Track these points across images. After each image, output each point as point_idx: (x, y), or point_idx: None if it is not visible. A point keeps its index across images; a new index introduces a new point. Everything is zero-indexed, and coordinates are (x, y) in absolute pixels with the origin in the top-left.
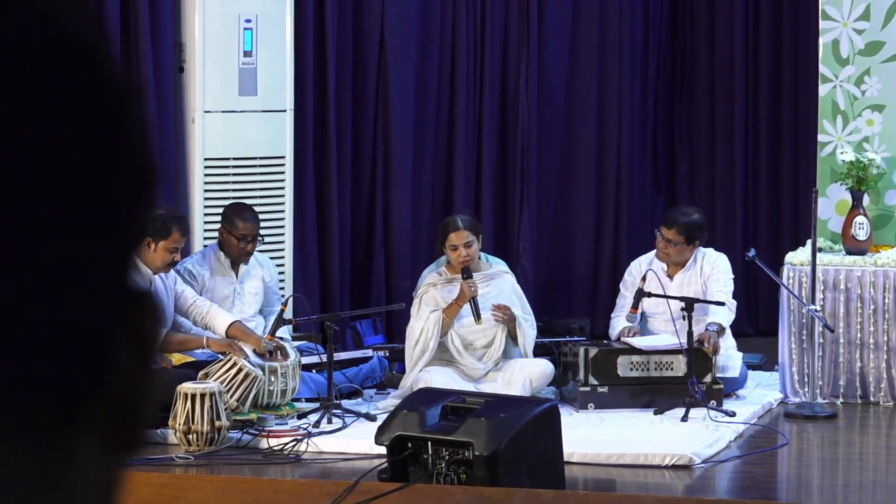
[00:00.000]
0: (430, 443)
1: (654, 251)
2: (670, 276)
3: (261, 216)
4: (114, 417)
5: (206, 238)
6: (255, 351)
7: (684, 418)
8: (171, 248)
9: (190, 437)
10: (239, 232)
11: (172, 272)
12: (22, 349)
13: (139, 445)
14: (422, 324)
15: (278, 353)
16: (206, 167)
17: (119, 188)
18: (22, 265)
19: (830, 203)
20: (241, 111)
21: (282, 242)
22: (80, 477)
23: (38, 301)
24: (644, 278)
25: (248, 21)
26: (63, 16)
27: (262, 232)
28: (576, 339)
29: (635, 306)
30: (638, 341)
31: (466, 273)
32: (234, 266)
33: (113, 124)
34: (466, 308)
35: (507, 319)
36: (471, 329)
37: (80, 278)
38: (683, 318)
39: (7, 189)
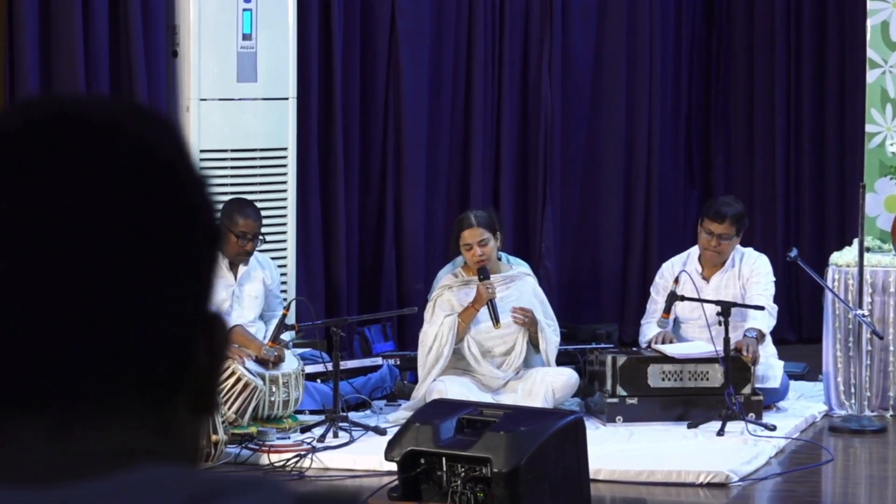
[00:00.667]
0: (444, 458)
1: (687, 252)
2: (706, 279)
3: (261, 212)
4: (197, 392)
5: None
6: (255, 358)
7: (720, 432)
8: None
9: None
10: (238, 229)
11: None
12: (148, 351)
13: (212, 409)
14: (436, 329)
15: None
16: (202, 160)
17: (199, 252)
18: (143, 302)
19: (879, 199)
20: (240, 99)
21: (284, 242)
22: (181, 429)
23: (151, 321)
24: (677, 280)
25: (247, 1)
26: (154, 143)
27: (263, 231)
28: (603, 346)
29: (667, 311)
30: (670, 349)
31: (483, 274)
32: (233, 267)
33: (192, 215)
34: (484, 312)
35: (529, 323)
36: (489, 335)
37: (178, 308)
38: (720, 324)
39: (134, 256)
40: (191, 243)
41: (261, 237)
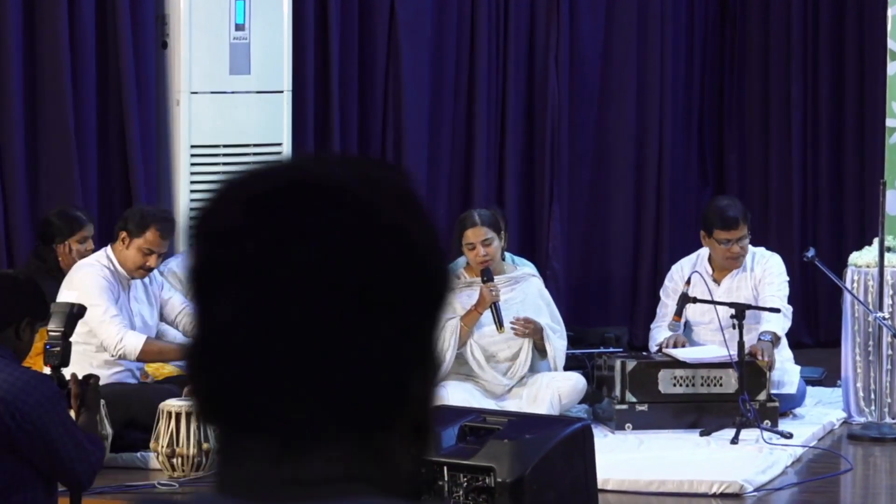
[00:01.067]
0: (445, 468)
1: (696, 253)
2: (717, 281)
3: None
4: (411, 425)
5: None
6: None
7: (734, 440)
8: (144, 248)
9: (174, 461)
10: None
11: (159, 277)
12: (366, 388)
13: (428, 437)
14: None
15: None
16: (192, 156)
17: (420, 305)
18: (363, 347)
19: None
20: (232, 92)
21: None
22: (397, 458)
23: (370, 363)
24: (688, 282)
25: None
26: (383, 208)
27: None
28: (611, 350)
29: (678, 314)
30: (682, 353)
31: (486, 275)
32: None
33: (416, 275)
34: (487, 316)
35: (531, 333)
36: (493, 339)
37: (397, 352)
38: (733, 327)
39: (358, 307)
40: (412, 298)
41: None
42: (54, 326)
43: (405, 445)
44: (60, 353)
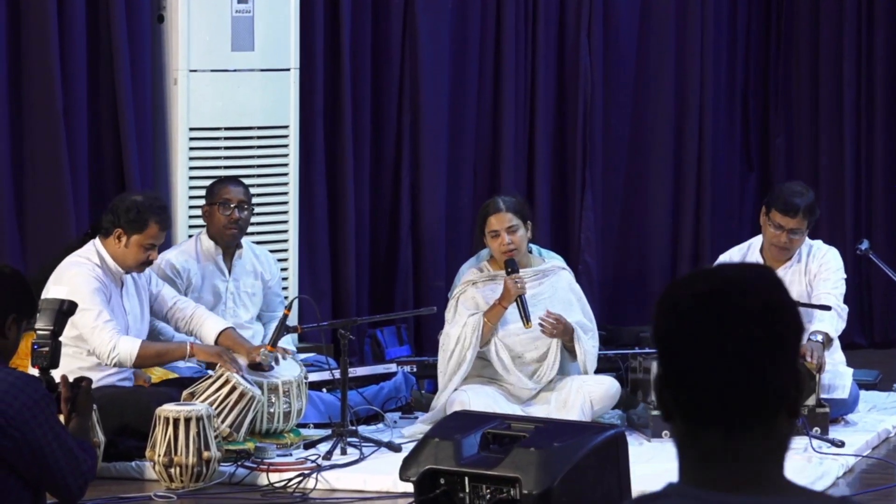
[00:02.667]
0: (467, 478)
1: (748, 243)
2: None
3: (259, 199)
4: (788, 411)
5: (191, 227)
6: (249, 365)
7: None
8: (145, 244)
9: (172, 470)
10: (220, 198)
11: (147, 269)
12: (773, 392)
13: (799, 412)
14: (458, 331)
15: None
16: (191, 139)
17: (796, 342)
18: (775, 371)
19: None
20: (235, 70)
21: (285, 233)
22: (782, 435)
23: (778, 380)
24: None
25: None
26: (777, 300)
27: (260, 220)
28: (647, 350)
29: None
30: None
31: (511, 266)
32: (227, 259)
33: (792, 331)
34: (512, 312)
35: (560, 333)
36: (519, 337)
37: (788, 370)
38: None
39: (773, 353)
40: (794, 340)
41: (249, 208)
42: (42, 325)
43: (786, 416)
44: (49, 354)
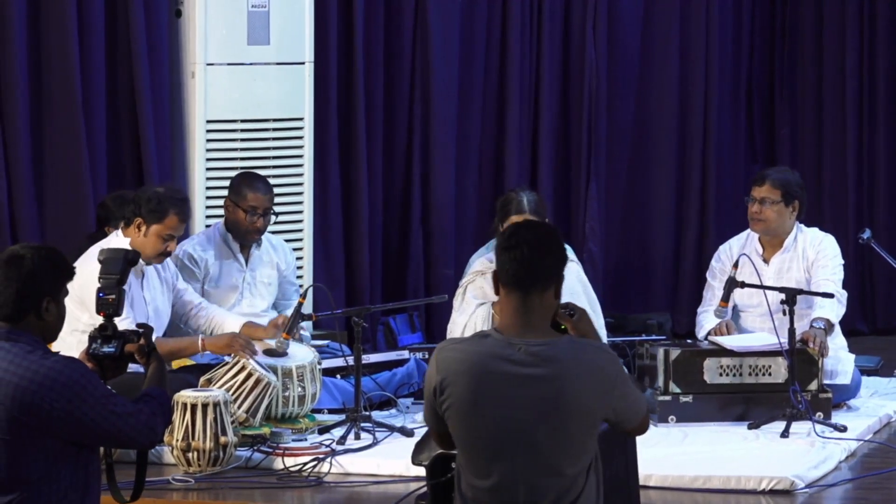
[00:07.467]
0: None
1: (746, 232)
2: (766, 261)
3: (275, 189)
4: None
5: (208, 217)
6: (264, 350)
7: (785, 434)
8: (164, 234)
9: (190, 455)
10: (247, 203)
11: (172, 265)
12: None
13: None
14: (466, 319)
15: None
16: (208, 131)
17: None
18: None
19: None
20: (251, 64)
21: (300, 222)
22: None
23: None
24: (736, 265)
25: None
26: (555, 239)
27: (276, 209)
28: (654, 338)
29: (725, 299)
30: (728, 341)
31: None
32: (244, 250)
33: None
34: None
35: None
36: None
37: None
38: (784, 313)
39: (557, 267)
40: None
41: (273, 213)
42: (107, 273)
43: None
44: (115, 302)
